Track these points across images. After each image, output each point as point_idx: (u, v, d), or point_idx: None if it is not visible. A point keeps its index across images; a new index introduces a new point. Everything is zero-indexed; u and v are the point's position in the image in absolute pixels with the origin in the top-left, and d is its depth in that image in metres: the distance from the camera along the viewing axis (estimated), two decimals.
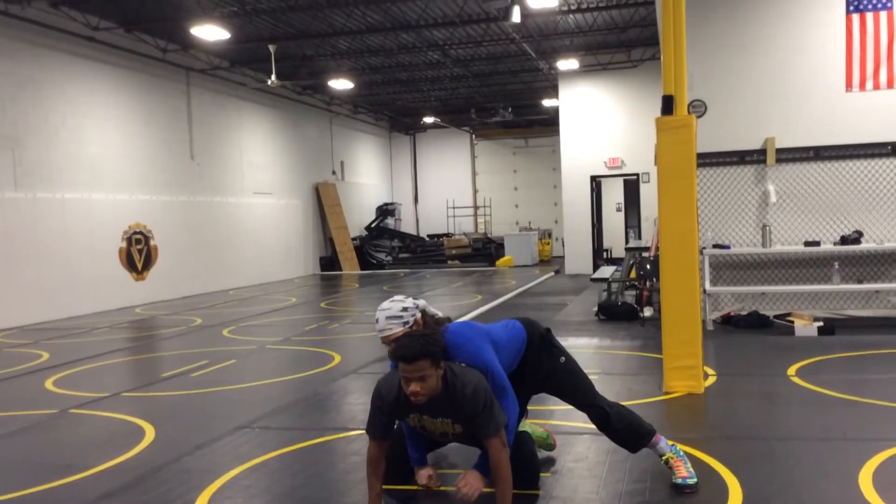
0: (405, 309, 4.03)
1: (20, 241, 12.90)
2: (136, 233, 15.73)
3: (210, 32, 14.67)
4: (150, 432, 5.85)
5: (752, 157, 10.09)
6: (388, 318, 4.00)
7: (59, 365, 8.95)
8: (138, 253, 15.79)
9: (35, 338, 11.28)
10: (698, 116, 9.82)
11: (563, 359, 4.36)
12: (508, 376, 4.10)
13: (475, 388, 3.71)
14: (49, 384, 7.89)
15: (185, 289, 17.04)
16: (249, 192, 20.23)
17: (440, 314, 4.21)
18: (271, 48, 16.59)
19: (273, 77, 17.38)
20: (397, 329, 3.97)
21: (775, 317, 9.80)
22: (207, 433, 5.73)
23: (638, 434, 4.26)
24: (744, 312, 9.95)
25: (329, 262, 24.33)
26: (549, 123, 26.62)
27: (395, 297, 4.11)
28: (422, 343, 3.63)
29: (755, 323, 9.64)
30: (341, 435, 5.43)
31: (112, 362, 9.26)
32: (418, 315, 4.06)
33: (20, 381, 8.21)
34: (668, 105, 6.34)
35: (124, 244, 15.41)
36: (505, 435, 3.76)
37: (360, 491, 4.32)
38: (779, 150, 9.94)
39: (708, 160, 9.97)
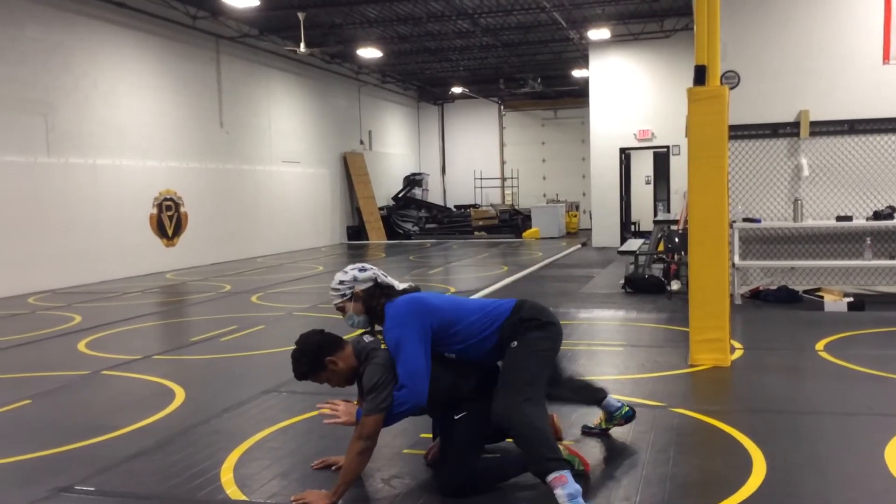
0: (342, 282, 4.05)
1: (53, 206, 13.08)
2: (166, 199, 15.88)
3: None
4: (179, 394, 5.95)
5: (785, 130, 9.95)
6: (331, 288, 4.09)
7: (91, 328, 9.11)
8: (169, 219, 15.96)
9: (67, 301, 11.48)
10: (731, 88, 9.66)
11: (514, 343, 3.88)
12: (486, 355, 3.97)
13: (367, 370, 3.80)
14: (81, 346, 8.04)
15: (214, 255, 17.21)
16: (278, 160, 20.31)
17: (400, 285, 4.10)
18: (300, 16, 16.54)
19: (302, 45, 17.35)
20: (337, 300, 4.08)
21: (805, 292, 9.71)
22: (235, 396, 5.83)
23: (531, 462, 3.64)
24: (773, 287, 9.87)
25: (356, 231, 24.42)
26: (579, 95, 26.35)
27: (347, 268, 4.10)
28: (296, 365, 3.88)
29: (784, 298, 9.57)
30: None
31: (143, 326, 9.41)
32: (358, 287, 4.02)
33: (53, 342, 8.37)
34: (700, 75, 6.26)
35: (155, 210, 15.57)
36: (376, 420, 3.67)
37: (386, 456, 4.38)
38: (813, 124, 9.78)
39: (740, 132, 9.84)
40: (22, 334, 8.82)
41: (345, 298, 4.05)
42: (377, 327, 4.08)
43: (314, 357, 3.86)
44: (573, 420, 4.81)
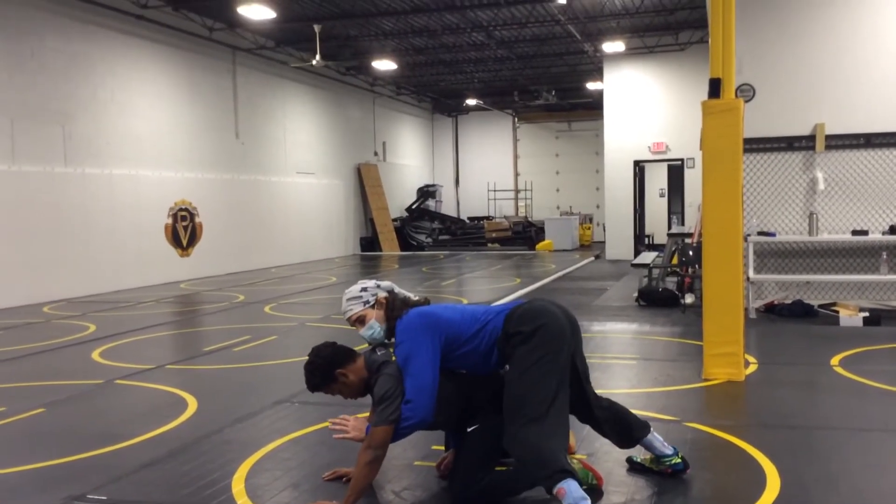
0: (364, 289, 4.01)
1: (69, 215, 13.19)
2: (181, 209, 15.98)
3: (256, 12, 14.77)
4: (192, 404, 5.97)
5: (800, 144, 9.90)
6: (348, 299, 4.01)
7: (106, 337, 9.16)
8: (183, 229, 16.05)
9: (82, 310, 11.55)
10: (746, 101, 9.63)
11: (507, 367, 3.80)
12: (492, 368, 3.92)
13: (378, 381, 3.80)
14: (95, 355, 8.09)
15: (228, 266, 17.28)
16: (292, 171, 20.39)
17: (413, 296, 4.10)
18: (316, 28, 16.64)
19: (317, 57, 17.45)
20: (357, 308, 3.98)
21: (820, 306, 9.65)
22: (248, 406, 5.84)
23: (537, 482, 3.59)
24: (788, 301, 9.81)
25: (369, 242, 24.46)
26: (593, 107, 26.35)
27: (362, 281, 4.09)
28: (309, 377, 3.92)
29: (799, 312, 9.50)
30: None
31: (156, 335, 9.45)
32: (381, 295, 4.01)
33: (68, 351, 8.42)
34: (715, 88, 6.25)
35: (170, 220, 15.66)
36: (385, 431, 3.67)
37: (397, 467, 4.38)
38: (828, 137, 9.73)
39: (755, 146, 9.80)
40: (37, 343, 8.88)
41: (367, 306, 3.98)
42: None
43: (326, 369, 3.88)
44: (585, 434, 4.78)
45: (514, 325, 3.77)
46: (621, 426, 4.14)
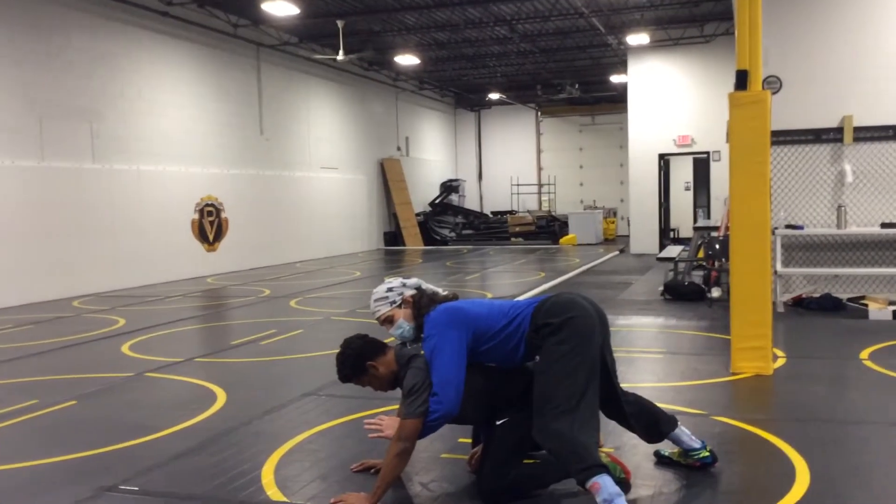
0: (390, 289, 4.03)
1: (98, 211, 13.34)
2: (207, 205, 16.11)
3: (280, 8, 14.84)
4: (221, 396, 6.03)
5: (828, 136, 9.79)
6: (375, 300, 4.05)
7: (135, 330, 9.27)
8: (210, 225, 16.18)
9: (111, 304, 11.69)
10: (773, 93, 9.55)
11: (536, 358, 3.81)
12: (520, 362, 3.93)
13: (408, 374, 3.83)
14: (125, 349, 8.19)
15: (253, 260, 17.41)
16: (316, 166, 20.48)
17: (441, 291, 4.11)
18: (339, 24, 16.69)
19: (341, 53, 17.50)
20: (385, 309, 4.02)
21: (849, 300, 9.55)
22: (276, 399, 5.89)
23: (569, 475, 3.58)
24: (816, 295, 9.72)
25: (393, 237, 24.52)
26: (617, 100, 26.21)
27: (388, 280, 4.11)
28: (340, 368, 3.96)
29: (827, 306, 9.42)
30: None
31: (185, 329, 9.55)
32: (407, 293, 4.02)
33: (98, 345, 8.53)
34: (741, 80, 6.20)
35: (196, 216, 15.80)
36: (413, 423, 3.70)
37: (424, 460, 4.40)
38: (856, 129, 9.62)
39: (782, 138, 9.71)
40: (68, 336, 9.01)
41: (394, 306, 4.01)
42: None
43: (356, 361, 3.93)
44: (611, 427, 4.76)
45: (543, 317, 3.76)
46: (649, 420, 4.12)
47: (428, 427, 3.72)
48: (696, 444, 4.13)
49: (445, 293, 4.12)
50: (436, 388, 3.69)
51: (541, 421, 3.61)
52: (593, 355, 3.70)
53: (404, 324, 4.00)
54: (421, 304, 3.99)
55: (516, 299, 4.21)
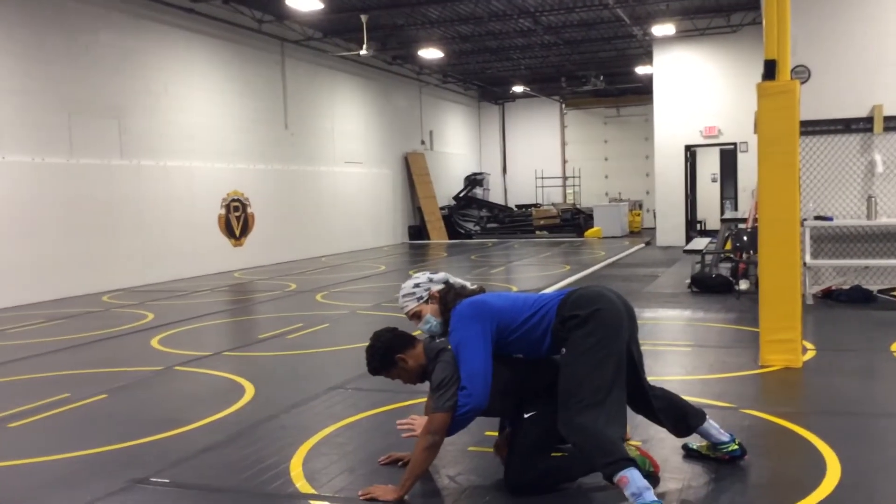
0: (417, 285, 4.07)
1: (126, 207, 13.48)
2: (233, 200, 16.23)
3: (304, 3, 14.88)
4: (249, 390, 6.08)
5: (857, 126, 9.66)
6: (403, 295, 4.09)
7: (164, 325, 9.36)
8: (236, 220, 16.30)
9: (140, 299, 11.82)
10: (801, 82, 9.42)
11: (563, 350, 3.74)
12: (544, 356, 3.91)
13: (436, 368, 3.85)
14: (154, 343, 8.28)
15: (279, 255, 17.51)
16: (341, 161, 20.55)
17: (468, 285, 4.11)
18: (363, 18, 16.70)
19: (365, 47, 17.53)
20: (412, 305, 4.07)
21: (879, 291, 9.43)
22: (302, 392, 5.93)
23: (596, 468, 3.54)
24: (846, 286, 9.60)
25: (417, 231, 24.55)
26: (643, 92, 26.02)
27: (415, 275, 4.15)
28: (369, 360, 4.00)
29: (858, 297, 9.30)
30: None
31: (212, 323, 9.63)
32: (434, 288, 4.05)
33: (127, 339, 8.63)
34: (770, 70, 6.13)
35: (223, 211, 15.92)
36: (442, 417, 3.71)
37: (451, 453, 4.40)
38: (887, 118, 9.48)
39: (811, 128, 9.59)
40: (97, 331, 9.12)
41: (421, 301, 4.05)
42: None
43: (385, 354, 3.96)
44: (639, 421, 4.74)
45: (569, 308, 3.74)
46: (677, 415, 4.09)
47: (458, 421, 3.73)
48: (725, 438, 4.10)
49: (473, 287, 4.12)
50: (464, 382, 3.69)
51: (566, 414, 3.60)
52: (620, 348, 3.66)
53: (431, 319, 4.03)
54: (448, 299, 4.00)
55: (542, 292, 4.19)
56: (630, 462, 3.42)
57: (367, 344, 4.01)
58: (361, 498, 3.80)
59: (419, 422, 3.88)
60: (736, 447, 4.10)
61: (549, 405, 3.79)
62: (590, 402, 3.52)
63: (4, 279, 11.33)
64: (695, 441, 4.24)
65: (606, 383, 3.57)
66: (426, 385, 4.02)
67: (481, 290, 4.09)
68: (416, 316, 4.08)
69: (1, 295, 11.25)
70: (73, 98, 12.64)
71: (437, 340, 4.01)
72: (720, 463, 4.10)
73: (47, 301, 11.77)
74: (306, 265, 16.82)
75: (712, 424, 4.11)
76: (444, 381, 3.75)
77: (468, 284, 4.13)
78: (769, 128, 6.11)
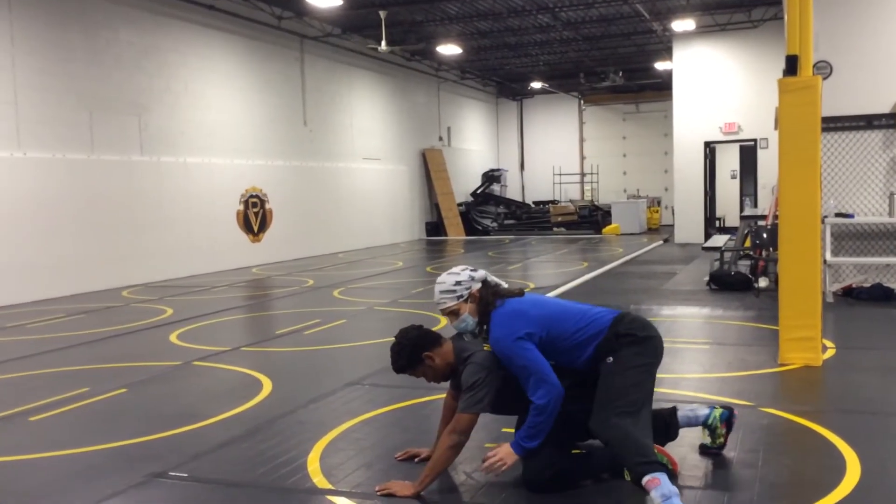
0: (458, 283, 3.96)
1: (145, 203, 13.58)
2: (252, 196, 16.29)
3: None
4: (267, 385, 6.11)
5: (880, 122, 9.56)
6: (442, 292, 3.98)
7: (182, 320, 9.42)
8: (255, 216, 16.37)
9: (159, 294, 11.90)
10: (823, 78, 9.33)
11: (609, 359, 3.82)
12: (576, 369, 3.93)
13: (467, 369, 3.83)
14: (173, 338, 8.33)
15: (297, 251, 17.57)
16: (359, 157, 20.58)
17: (504, 284, 4.08)
18: (382, 14, 16.72)
19: (383, 43, 17.54)
20: (451, 303, 3.95)
21: None
22: (320, 388, 5.95)
23: (627, 469, 3.61)
24: (867, 284, 9.51)
25: (434, 227, 24.55)
26: (662, 88, 25.86)
27: (453, 270, 4.05)
28: (395, 358, 3.96)
29: (879, 295, 9.21)
30: None
31: (231, 319, 9.69)
32: (474, 287, 3.97)
33: (147, 334, 8.70)
34: (791, 65, 6.08)
35: (242, 207, 15.99)
36: (470, 418, 3.74)
37: (468, 449, 4.39)
38: None
39: (832, 124, 9.49)
40: (117, 326, 9.19)
41: (461, 300, 3.96)
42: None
43: (412, 352, 3.93)
44: None
45: (626, 326, 3.88)
46: (657, 425, 4.07)
47: (549, 412, 3.71)
48: (705, 411, 4.21)
49: (507, 286, 4.09)
50: (536, 384, 3.70)
51: (603, 415, 3.66)
52: (654, 377, 3.89)
53: (468, 318, 3.97)
54: (487, 299, 3.95)
55: (555, 293, 4.19)
56: (662, 467, 3.52)
57: (392, 341, 3.99)
58: (378, 493, 3.81)
59: (501, 451, 3.79)
60: (720, 410, 4.19)
61: (569, 406, 3.79)
62: (626, 410, 3.65)
63: (25, 274, 11.44)
64: (700, 437, 4.29)
65: (642, 400, 3.74)
66: (443, 383, 4.02)
67: (520, 292, 4.05)
68: (452, 313, 3.99)
69: (21, 290, 11.37)
70: (94, 95, 12.74)
71: (468, 339, 3.99)
72: (738, 462, 4.08)
73: (67, 296, 11.88)
74: (324, 261, 16.87)
75: (685, 410, 4.22)
76: (475, 383, 3.76)
77: (503, 283, 4.10)
78: (790, 124, 6.05)
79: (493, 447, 3.88)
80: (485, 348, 3.90)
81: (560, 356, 3.91)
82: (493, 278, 4.09)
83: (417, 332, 4.00)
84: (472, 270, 4.04)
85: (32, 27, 11.79)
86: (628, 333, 3.84)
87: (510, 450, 3.76)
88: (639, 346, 3.82)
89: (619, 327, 3.87)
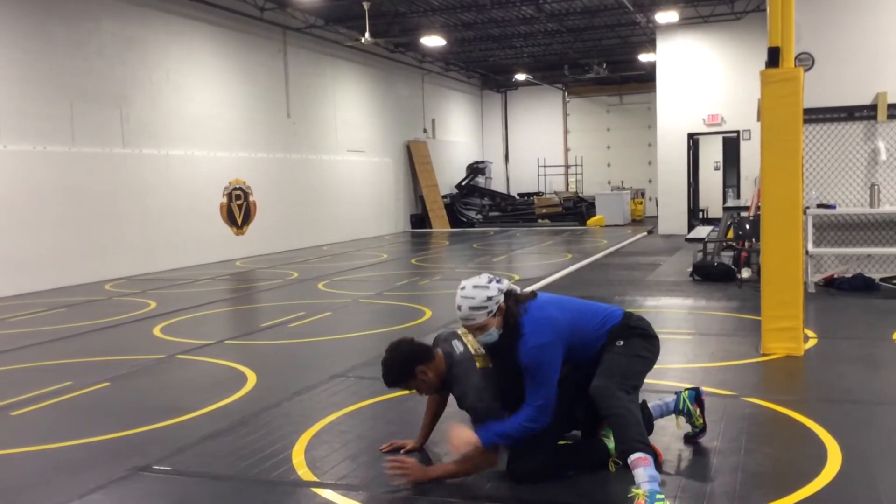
0: (489, 298, 3.77)
1: (128, 195, 13.48)
2: (235, 189, 16.22)
3: None
4: (251, 378, 6.10)
5: (861, 114, 9.63)
6: (472, 307, 3.77)
7: (166, 313, 9.38)
8: (238, 208, 16.29)
9: (142, 287, 11.83)
10: (805, 70, 9.37)
11: (619, 342, 3.93)
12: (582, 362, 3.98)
13: (469, 394, 3.85)
14: (156, 331, 8.29)
15: (281, 243, 17.51)
16: (343, 149, 20.52)
17: (517, 289, 4.00)
18: (365, 5, 16.64)
19: (367, 35, 17.47)
20: (482, 319, 3.79)
21: (881, 280, 9.42)
22: (305, 380, 5.94)
23: (619, 441, 3.68)
24: (848, 275, 9.59)
25: (419, 219, 24.54)
26: (645, 80, 25.93)
27: (479, 282, 3.84)
28: (387, 372, 3.94)
29: (860, 286, 9.29)
30: None
31: (214, 312, 9.65)
32: (501, 300, 3.82)
33: (130, 327, 8.65)
34: (773, 57, 6.10)
35: (225, 200, 15.91)
36: (494, 456, 3.81)
37: (440, 431, 4.40)
38: (890, 106, 9.46)
39: (814, 116, 9.56)
40: (100, 319, 9.14)
41: (490, 315, 3.79)
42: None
43: (404, 366, 3.91)
44: None
45: (636, 321, 4.09)
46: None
47: (518, 439, 3.78)
48: (672, 397, 4.33)
49: (521, 291, 4.04)
50: (535, 411, 3.73)
51: (608, 383, 3.78)
52: (645, 376, 4.05)
53: (495, 332, 3.84)
54: (513, 310, 3.86)
55: (538, 285, 4.22)
56: (654, 452, 3.64)
57: (381, 338, 3.97)
58: (388, 463, 3.84)
59: (409, 463, 3.85)
60: (686, 392, 4.30)
61: (557, 395, 3.82)
62: (629, 390, 3.84)
63: (6, 268, 11.34)
64: (678, 425, 4.37)
65: (635, 387, 3.94)
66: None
67: (534, 295, 4.01)
68: (480, 328, 3.82)
69: (3, 283, 11.27)
70: (75, 86, 12.62)
71: (458, 349, 3.97)
72: (720, 451, 4.12)
73: (49, 290, 11.79)
74: (308, 254, 16.83)
75: (654, 402, 4.32)
76: (482, 411, 3.79)
77: (517, 289, 4.02)
78: (772, 115, 6.08)
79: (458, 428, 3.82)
80: (479, 365, 3.89)
81: (574, 354, 3.95)
82: (513, 288, 3.96)
83: (409, 346, 3.95)
84: (497, 281, 3.87)
85: (12, 17, 11.66)
86: (639, 327, 4.05)
87: (476, 438, 3.75)
88: (646, 340, 4.03)
89: (631, 321, 4.07)
